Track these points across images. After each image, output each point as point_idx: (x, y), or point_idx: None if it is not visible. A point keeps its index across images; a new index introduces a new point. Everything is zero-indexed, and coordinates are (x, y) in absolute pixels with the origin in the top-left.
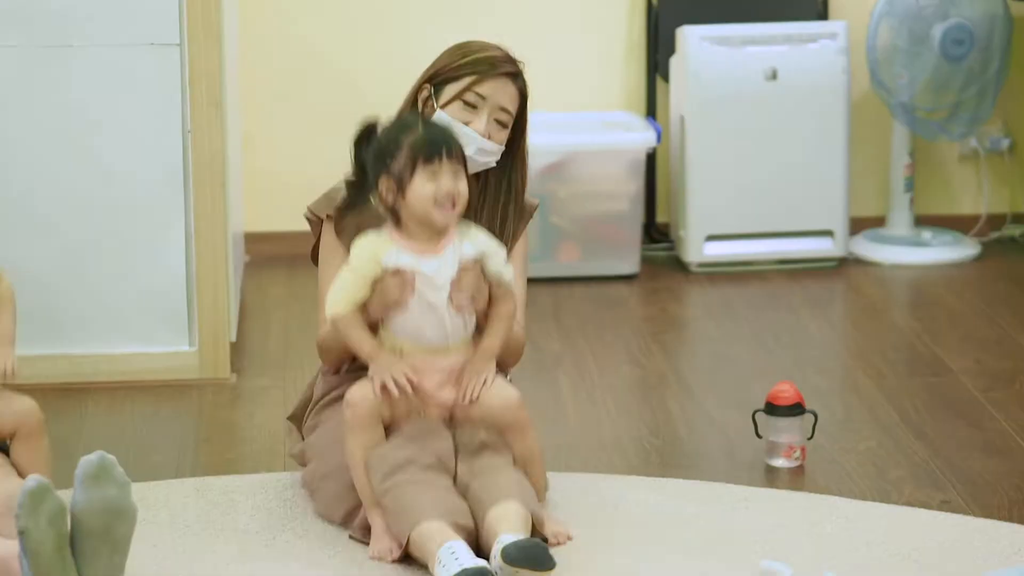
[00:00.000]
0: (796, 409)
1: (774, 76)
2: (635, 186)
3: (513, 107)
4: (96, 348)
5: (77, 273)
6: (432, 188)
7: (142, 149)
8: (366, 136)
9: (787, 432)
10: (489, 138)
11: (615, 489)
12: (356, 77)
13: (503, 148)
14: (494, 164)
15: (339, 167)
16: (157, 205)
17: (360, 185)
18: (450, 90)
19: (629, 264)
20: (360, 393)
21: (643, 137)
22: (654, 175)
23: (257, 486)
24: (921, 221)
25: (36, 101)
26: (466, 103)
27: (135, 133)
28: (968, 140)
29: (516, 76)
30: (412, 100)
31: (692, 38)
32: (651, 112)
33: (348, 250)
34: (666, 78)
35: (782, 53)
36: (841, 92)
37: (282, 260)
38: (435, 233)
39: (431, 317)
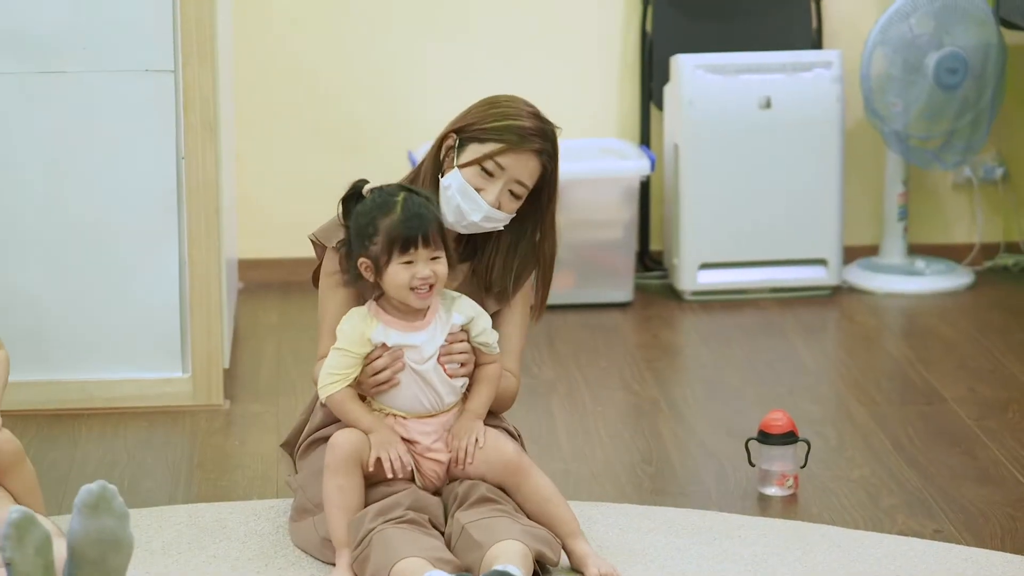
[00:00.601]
0: (789, 437)
1: (768, 105)
2: (629, 214)
3: (531, 181)
4: (89, 374)
5: (70, 299)
6: (407, 276)
7: (136, 175)
8: (353, 198)
9: (780, 460)
10: (499, 207)
11: (607, 517)
12: (351, 103)
13: (512, 215)
14: (501, 228)
15: (333, 194)
16: (151, 231)
17: (350, 246)
18: (472, 150)
19: (623, 292)
20: (344, 438)
21: (637, 165)
22: (648, 203)
23: (250, 513)
24: (915, 250)
25: (31, 127)
26: (484, 170)
27: (129, 159)
28: (962, 169)
29: (541, 153)
30: (438, 147)
31: (686, 66)
32: (645, 140)
33: (347, 285)
34: (660, 106)
35: (776, 81)
36: (835, 121)
37: (275, 287)
38: (418, 309)
39: (423, 387)
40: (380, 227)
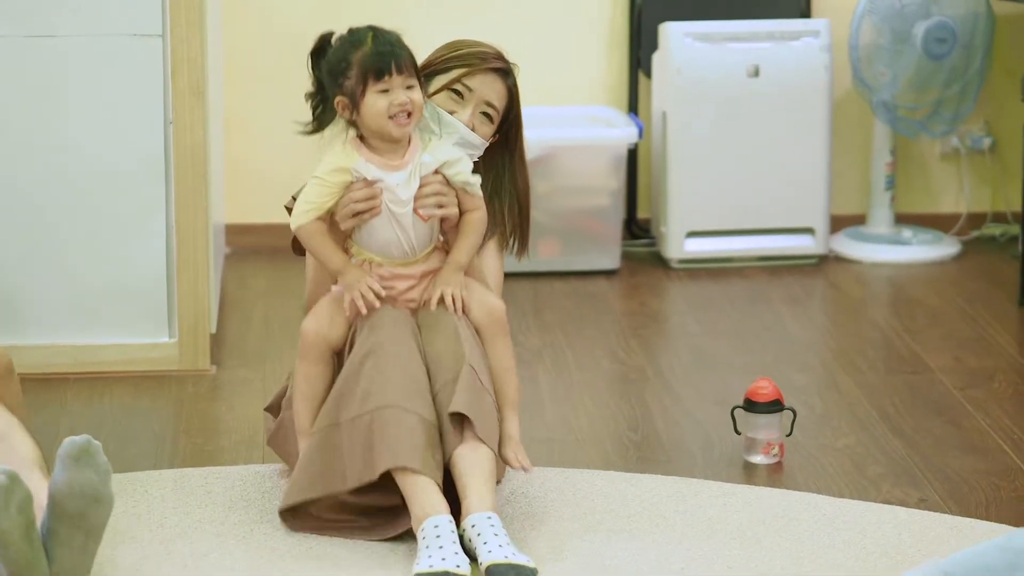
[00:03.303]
0: (775, 406)
1: (756, 73)
2: (616, 182)
3: (500, 103)
4: (76, 339)
5: (57, 264)
6: (384, 103)
7: (124, 140)
8: (320, 50)
9: (766, 429)
10: (473, 129)
11: (593, 484)
12: None
13: (487, 143)
14: (476, 158)
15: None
16: (138, 196)
17: (320, 100)
18: (439, 81)
19: (610, 260)
20: (310, 325)
21: (625, 133)
22: (635, 171)
23: (235, 478)
24: (901, 219)
25: (18, 91)
26: (453, 92)
27: (117, 124)
28: (949, 139)
29: (506, 73)
30: None
31: (675, 34)
32: (633, 108)
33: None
34: (648, 74)
35: (765, 50)
36: (823, 90)
37: (263, 252)
38: (397, 145)
39: (397, 230)
40: (353, 60)
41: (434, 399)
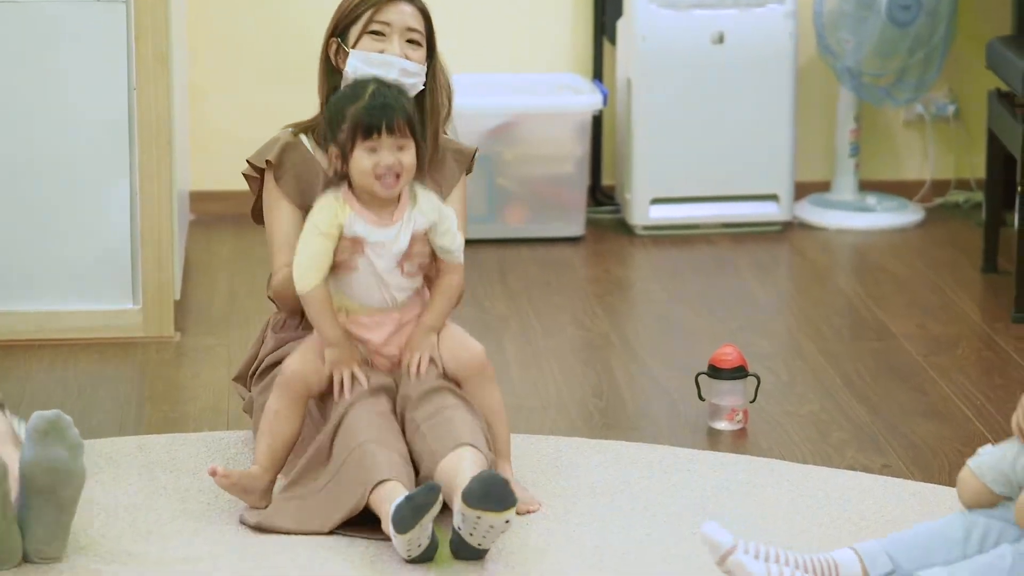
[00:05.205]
0: (739, 372)
1: (721, 40)
2: (581, 149)
3: (420, 25)
4: (40, 305)
5: (20, 230)
6: (371, 163)
7: (87, 106)
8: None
9: (730, 395)
10: (407, 58)
11: (558, 450)
12: (306, 33)
13: (425, 67)
14: (422, 86)
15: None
16: (102, 162)
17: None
18: (355, 31)
19: (575, 226)
20: (295, 368)
21: (589, 100)
22: (600, 138)
23: (200, 445)
24: (866, 186)
25: None
26: (373, 33)
27: (80, 89)
28: (914, 106)
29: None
30: (324, 59)
31: (639, 1)
32: (597, 75)
33: (289, 199)
34: (613, 41)
35: (729, 17)
36: (788, 57)
37: (228, 219)
38: (386, 200)
39: (380, 283)
40: (347, 114)
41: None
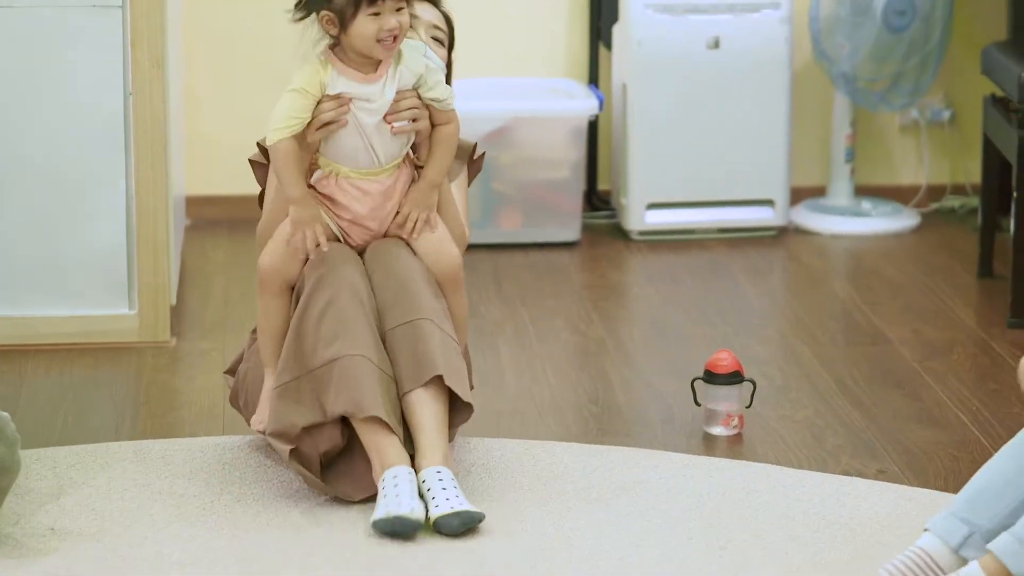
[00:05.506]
0: (735, 377)
1: (716, 45)
2: (577, 153)
3: (443, 25)
4: (36, 310)
5: (16, 235)
6: (374, 28)
7: (83, 111)
8: None
9: (725, 400)
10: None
11: (553, 456)
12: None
13: (446, 64)
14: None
15: None
16: (98, 167)
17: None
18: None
19: (570, 231)
20: (267, 260)
21: (585, 105)
22: (596, 143)
23: (196, 449)
24: (861, 191)
25: None
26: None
27: (76, 94)
28: (909, 111)
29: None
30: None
31: (635, 5)
32: (593, 80)
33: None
34: (608, 46)
35: (725, 22)
36: (783, 62)
37: (223, 224)
38: (374, 60)
39: (367, 141)
40: None
41: (384, 337)
